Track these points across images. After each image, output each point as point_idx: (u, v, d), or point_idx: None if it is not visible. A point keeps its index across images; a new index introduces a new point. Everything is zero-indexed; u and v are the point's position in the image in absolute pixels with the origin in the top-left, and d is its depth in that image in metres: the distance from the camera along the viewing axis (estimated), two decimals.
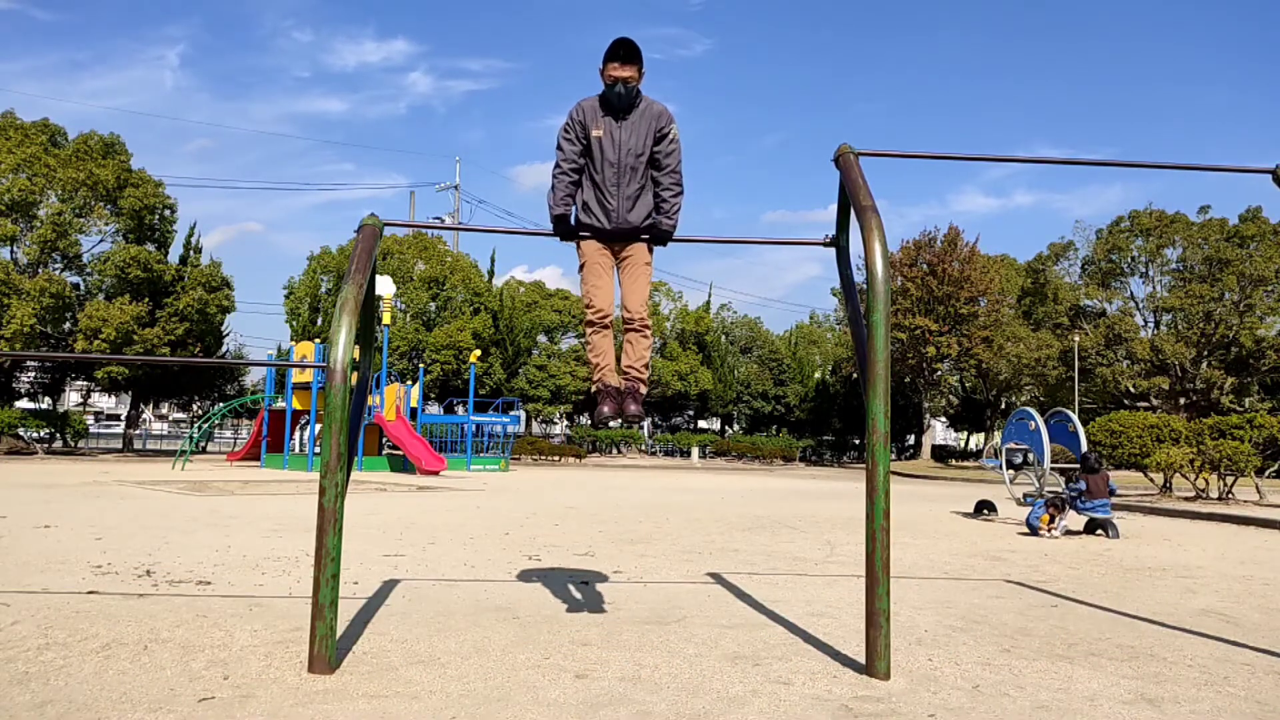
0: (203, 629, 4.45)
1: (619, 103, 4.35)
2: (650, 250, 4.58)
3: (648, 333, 4.52)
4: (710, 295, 54.17)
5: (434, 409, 38.35)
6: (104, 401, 59.62)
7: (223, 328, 38.05)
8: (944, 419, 61.40)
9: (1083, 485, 10.78)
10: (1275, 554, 9.48)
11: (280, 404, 28.19)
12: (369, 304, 4.64)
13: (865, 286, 4.11)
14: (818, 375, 56.49)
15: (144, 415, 45.27)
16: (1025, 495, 13.11)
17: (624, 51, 4.27)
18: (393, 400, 25.80)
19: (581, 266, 4.52)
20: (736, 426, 54.97)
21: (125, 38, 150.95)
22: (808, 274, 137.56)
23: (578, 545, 8.33)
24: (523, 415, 44.21)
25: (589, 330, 4.51)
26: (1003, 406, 51.52)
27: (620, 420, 4.48)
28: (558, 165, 4.45)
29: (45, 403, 40.38)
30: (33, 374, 38.26)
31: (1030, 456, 13.43)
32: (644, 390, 4.49)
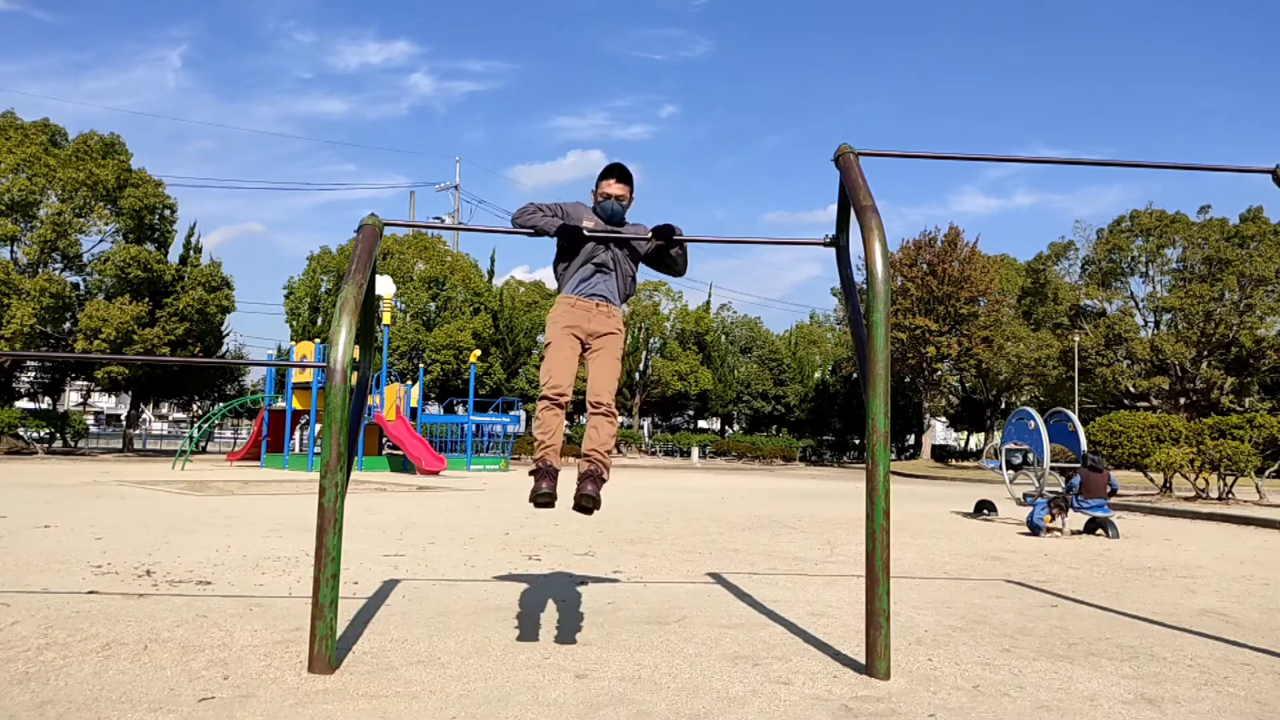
0: (203, 629, 4.45)
1: (610, 216, 4.50)
2: (621, 343, 4.49)
3: (613, 418, 4.37)
4: (710, 295, 54.17)
5: (434, 409, 38.36)
6: (104, 401, 59.64)
7: (223, 328, 38.05)
8: (944, 419, 61.40)
9: (1076, 481, 10.77)
10: (1275, 554, 9.48)
11: (280, 404, 28.19)
12: (369, 304, 4.64)
13: (865, 286, 4.11)
14: (818, 375, 56.50)
15: (144, 415, 45.28)
16: (1025, 495, 13.11)
17: (619, 172, 4.53)
18: (393, 400, 25.80)
19: (548, 345, 4.40)
20: (736, 426, 54.99)
21: (127, 39, 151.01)
22: (808, 274, 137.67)
23: (578, 545, 8.33)
24: (523, 415, 44.16)
25: (541, 406, 4.30)
26: (1003, 406, 51.54)
27: (575, 505, 4.18)
28: (528, 213, 4.47)
29: (45, 403, 40.39)
30: (33, 374, 38.26)
31: (1030, 456, 13.43)
32: (607, 476, 4.27)
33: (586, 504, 4.13)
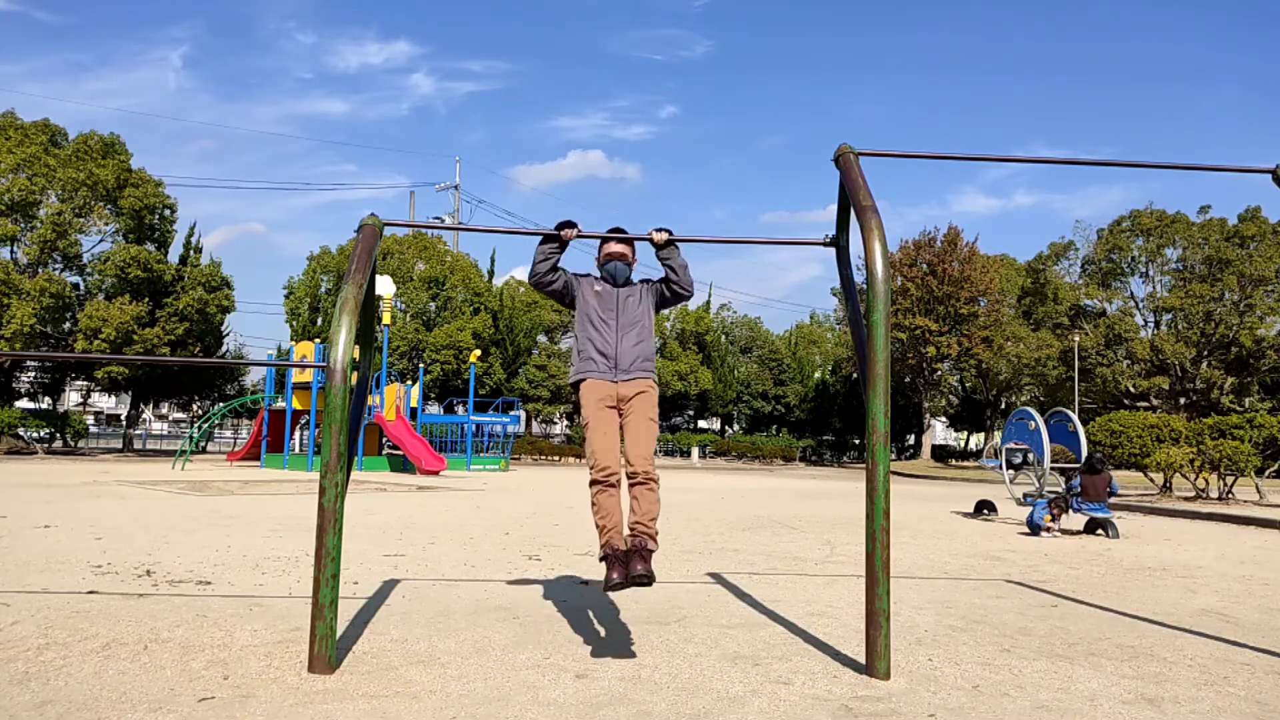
0: (203, 629, 4.45)
1: (614, 278, 4.49)
2: (654, 402, 4.36)
3: (655, 486, 4.20)
4: (710, 295, 54.16)
5: (434, 409, 38.36)
6: (104, 401, 59.64)
7: (223, 328, 38.06)
8: (944, 419, 61.41)
9: (1077, 483, 10.77)
10: (1275, 554, 9.48)
11: (280, 404, 28.19)
12: (369, 304, 4.64)
13: (865, 286, 4.11)
14: (818, 375, 56.51)
15: (144, 415, 45.27)
16: (1025, 495, 13.11)
17: (619, 233, 4.53)
18: (393, 400, 25.80)
19: (585, 425, 4.31)
20: (736, 426, 54.98)
21: (128, 39, 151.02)
22: (808, 274, 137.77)
23: (578, 545, 8.33)
24: (523, 415, 44.19)
25: (594, 491, 4.17)
26: (1003, 406, 51.55)
27: (632, 584, 3.99)
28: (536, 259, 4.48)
29: (45, 403, 40.39)
30: (33, 374, 38.26)
31: (1030, 456, 13.43)
32: (654, 547, 4.10)
33: (644, 582, 3.98)
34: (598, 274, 4.61)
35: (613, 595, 5.60)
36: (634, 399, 4.29)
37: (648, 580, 3.95)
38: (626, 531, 4.13)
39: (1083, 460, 10.91)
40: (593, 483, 4.17)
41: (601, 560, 4.07)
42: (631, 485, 4.19)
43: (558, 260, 4.48)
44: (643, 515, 4.12)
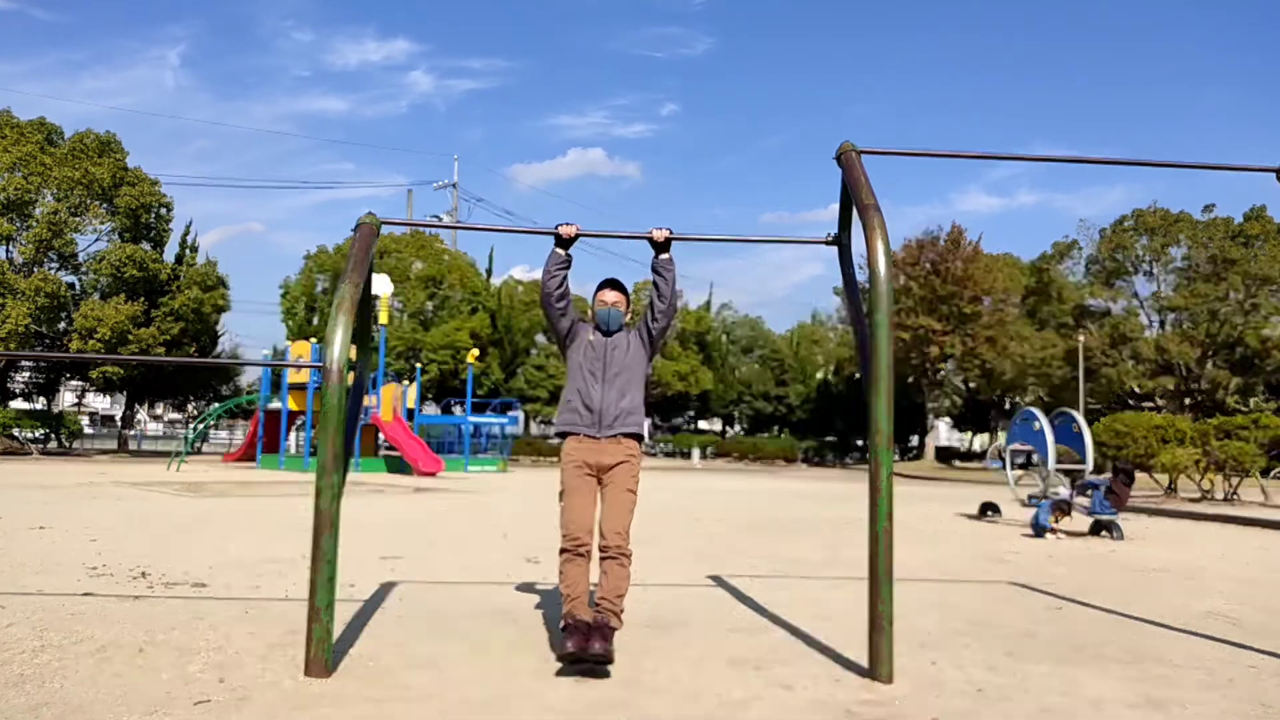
0: (199, 631, 4.42)
1: (608, 327, 4.47)
2: (635, 472, 4.28)
3: (626, 561, 4.09)
4: (711, 295, 54.33)
5: (431, 409, 38.36)
6: (99, 402, 59.61)
7: (218, 327, 38.06)
8: (947, 420, 61.32)
9: (1103, 483, 10.67)
10: None
11: (276, 404, 28.15)
12: (366, 303, 4.60)
13: (868, 286, 4.06)
14: (820, 375, 56.47)
15: (139, 415, 45.28)
16: (1030, 497, 13.06)
17: (613, 284, 4.53)
18: (390, 400, 25.77)
19: (561, 491, 4.22)
20: (738, 427, 54.99)
21: (126, 37, 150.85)
22: (810, 273, 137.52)
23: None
24: (521, 416, 44.21)
25: (562, 560, 4.07)
26: (1007, 407, 51.46)
27: (580, 667, 3.80)
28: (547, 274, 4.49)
29: (40, 403, 40.36)
30: (27, 374, 38.23)
31: (1035, 458, 13.38)
32: (617, 625, 3.97)
33: (600, 661, 3.75)
34: (590, 320, 4.59)
35: None
36: (615, 469, 4.23)
37: (604, 660, 3.76)
38: (593, 605, 4.02)
39: (1115, 468, 10.85)
40: (561, 550, 4.08)
41: (563, 630, 3.91)
42: (603, 559, 4.10)
43: (566, 276, 4.46)
44: (609, 591, 4.03)
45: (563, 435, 4.36)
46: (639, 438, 4.38)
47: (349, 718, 3.19)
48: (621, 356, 4.39)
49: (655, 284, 4.52)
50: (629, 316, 4.60)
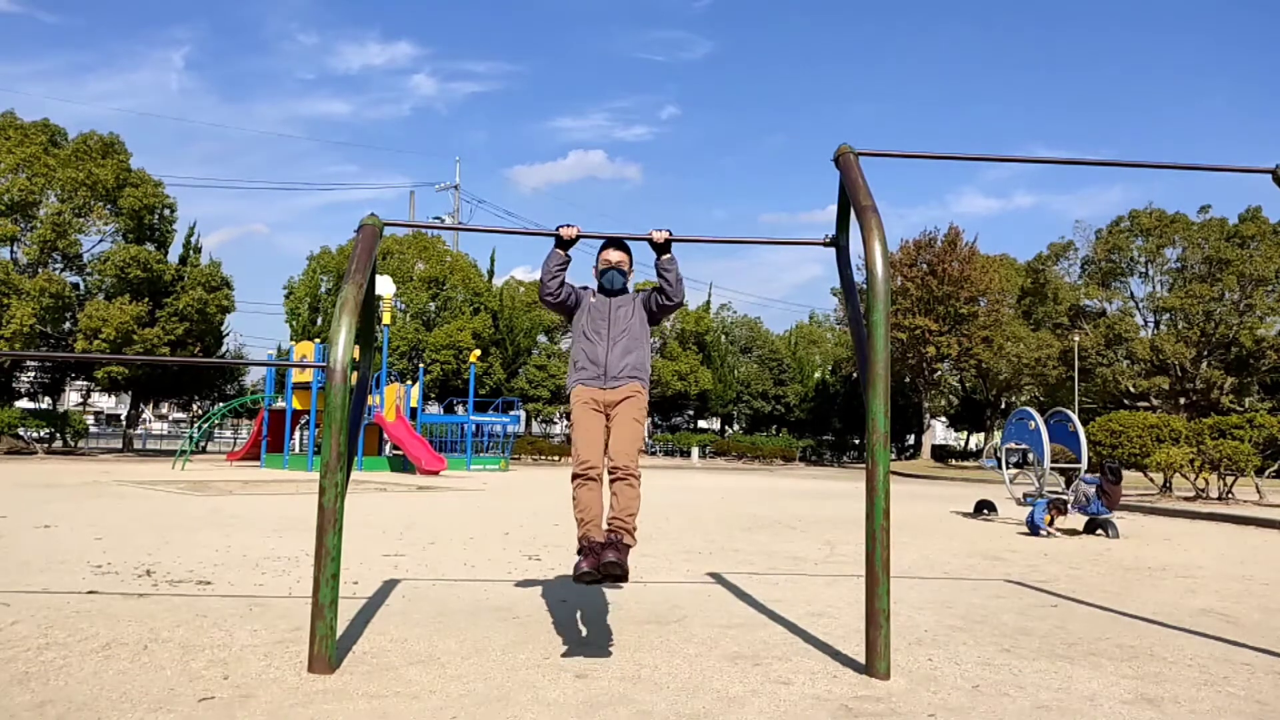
0: (203, 629, 4.45)
1: (612, 287, 4.56)
2: (641, 405, 4.40)
3: (635, 482, 4.22)
4: (710, 295, 54.17)
5: (434, 409, 38.34)
6: (104, 401, 59.62)
7: (223, 327, 38.03)
8: (944, 419, 61.42)
9: (1093, 483, 10.72)
10: (1275, 554, 9.48)
11: (280, 404, 28.18)
12: (369, 304, 4.64)
13: (865, 286, 4.11)
14: (818, 375, 56.51)
15: (144, 415, 45.27)
16: (1025, 495, 13.10)
17: (616, 243, 4.63)
18: (393, 400, 25.79)
19: (572, 426, 4.39)
20: (736, 426, 54.97)
21: (130, 40, 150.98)
22: (808, 274, 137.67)
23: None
24: (523, 415, 44.19)
25: (574, 484, 4.23)
26: (1003, 406, 51.51)
27: (600, 576, 3.99)
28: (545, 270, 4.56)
29: (45, 403, 40.37)
30: (33, 374, 38.25)
31: (1030, 456, 13.42)
32: (630, 542, 4.10)
33: (614, 571, 3.97)
34: (595, 286, 4.65)
35: (611, 595, 5.60)
36: (621, 403, 4.35)
37: (619, 570, 3.95)
38: (605, 526, 4.16)
39: (1102, 467, 10.88)
40: (574, 476, 4.24)
41: (578, 553, 4.11)
42: (612, 481, 4.24)
43: (564, 278, 4.54)
44: (620, 510, 4.16)
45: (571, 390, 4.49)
46: (644, 382, 4.49)
47: (352, 714, 3.22)
48: (626, 316, 4.48)
49: (662, 281, 4.56)
50: (632, 275, 4.68)
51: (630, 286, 4.67)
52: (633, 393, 4.37)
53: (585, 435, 4.29)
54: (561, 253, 4.51)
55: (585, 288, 4.68)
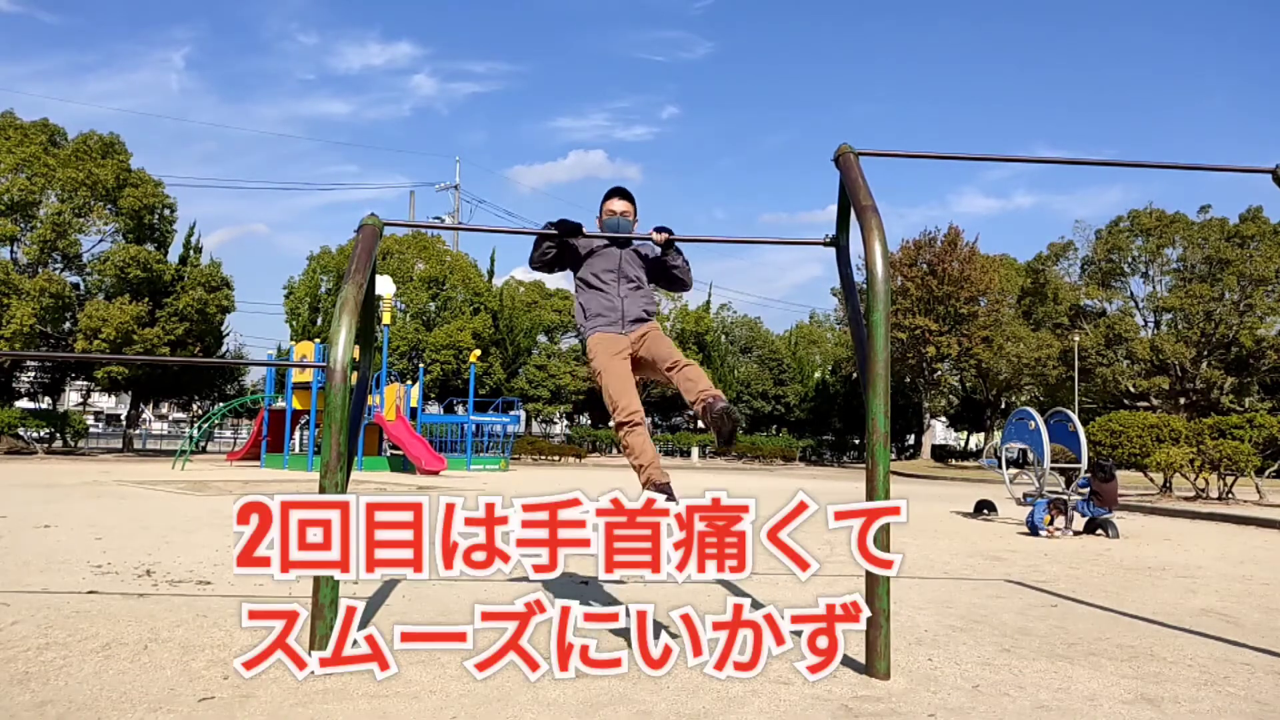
0: (203, 629, 4.45)
1: (616, 230, 4.59)
2: (658, 329, 4.51)
3: (694, 365, 4.29)
4: (710, 295, 54.15)
5: (434, 409, 38.35)
6: (104, 401, 59.63)
7: (223, 327, 38.06)
8: (944, 419, 61.42)
9: (1085, 483, 10.76)
10: (1275, 554, 9.48)
11: (280, 404, 28.18)
12: (369, 304, 4.64)
13: (865, 286, 4.11)
14: (818, 375, 56.51)
15: (144, 415, 45.28)
16: (1025, 495, 13.10)
17: (621, 192, 4.65)
18: (392, 400, 25.79)
19: (599, 374, 4.29)
20: None
21: (130, 40, 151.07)
22: (808, 274, 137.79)
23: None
24: (523, 415, 44.21)
25: (622, 432, 4.12)
26: (1003, 406, 51.53)
27: (728, 428, 3.98)
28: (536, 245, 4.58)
29: (45, 403, 40.38)
30: (32, 374, 38.28)
31: (1030, 456, 13.42)
32: (724, 399, 4.10)
33: (733, 415, 4.02)
34: (597, 229, 4.65)
35: (612, 595, 5.61)
36: (642, 338, 4.40)
37: (734, 415, 4.00)
38: (692, 399, 4.16)
39: (1091, 466, 10.91)
40: (619, 425, 4.14)
41: (658, 490, 3.94)
42: (675, 374, 4.24)
43: (552, 259, 4.58)
44: (704, 386, 4.15)
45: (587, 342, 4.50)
46: (654, 318, 4.56)
47: (352, 714, 3.23)
48: (633, 268, 4.53)
49: (673, 274, 4.64)
50: (636, 224, 4.71)
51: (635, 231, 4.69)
52: (649, 329, 4.44)
53: (620, 383, 4.22)
54: (556, 236, 4.50)
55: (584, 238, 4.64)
